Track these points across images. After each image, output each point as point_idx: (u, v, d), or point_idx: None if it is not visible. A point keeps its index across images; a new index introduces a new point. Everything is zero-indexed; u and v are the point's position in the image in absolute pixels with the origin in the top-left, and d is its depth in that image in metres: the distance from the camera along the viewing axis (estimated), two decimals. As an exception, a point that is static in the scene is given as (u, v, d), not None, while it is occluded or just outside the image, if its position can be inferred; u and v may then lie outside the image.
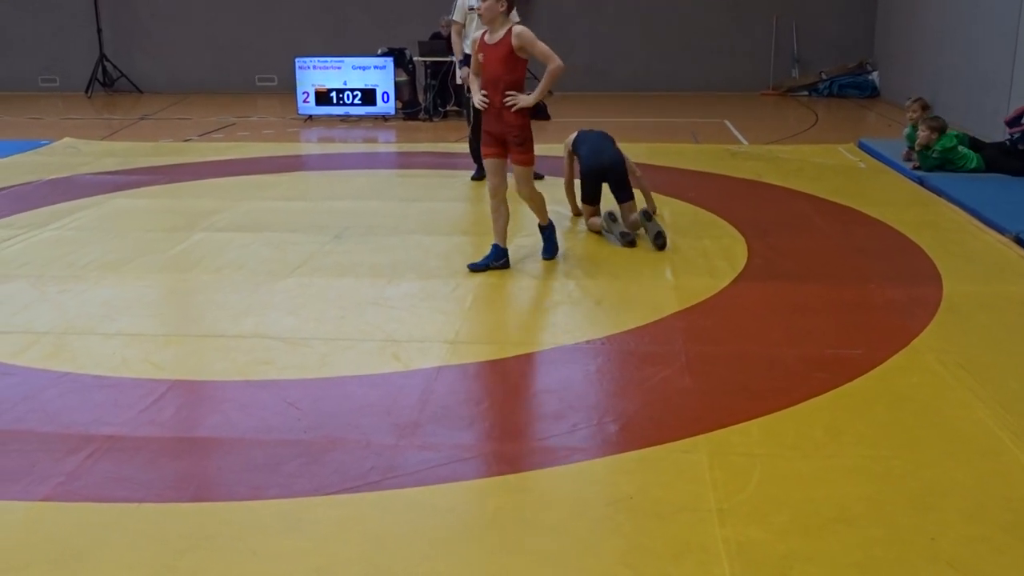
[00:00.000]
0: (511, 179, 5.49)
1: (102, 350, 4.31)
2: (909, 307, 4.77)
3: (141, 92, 15.46)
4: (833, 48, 14.60)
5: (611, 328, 4.54)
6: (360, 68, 11.94)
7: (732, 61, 14.90)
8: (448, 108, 12.51)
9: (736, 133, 10.87)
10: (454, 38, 8.11)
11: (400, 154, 10.21)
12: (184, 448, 3.42)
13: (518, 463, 3.25)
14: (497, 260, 5.46)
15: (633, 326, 4.55)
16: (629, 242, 5.94)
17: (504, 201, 5.48)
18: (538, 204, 5.60)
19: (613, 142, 6.49)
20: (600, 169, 6.23)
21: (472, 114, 8.12)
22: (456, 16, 8.02)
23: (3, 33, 15.99)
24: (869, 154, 8.97)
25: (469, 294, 5.08)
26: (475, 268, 5.42)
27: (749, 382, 3.90)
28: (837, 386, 3.83)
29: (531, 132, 5.40)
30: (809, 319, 4.63)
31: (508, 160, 5.43)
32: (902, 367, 4.03)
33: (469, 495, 3.08)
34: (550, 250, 5.69)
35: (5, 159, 9.12)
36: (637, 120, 12.19)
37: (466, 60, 8.50)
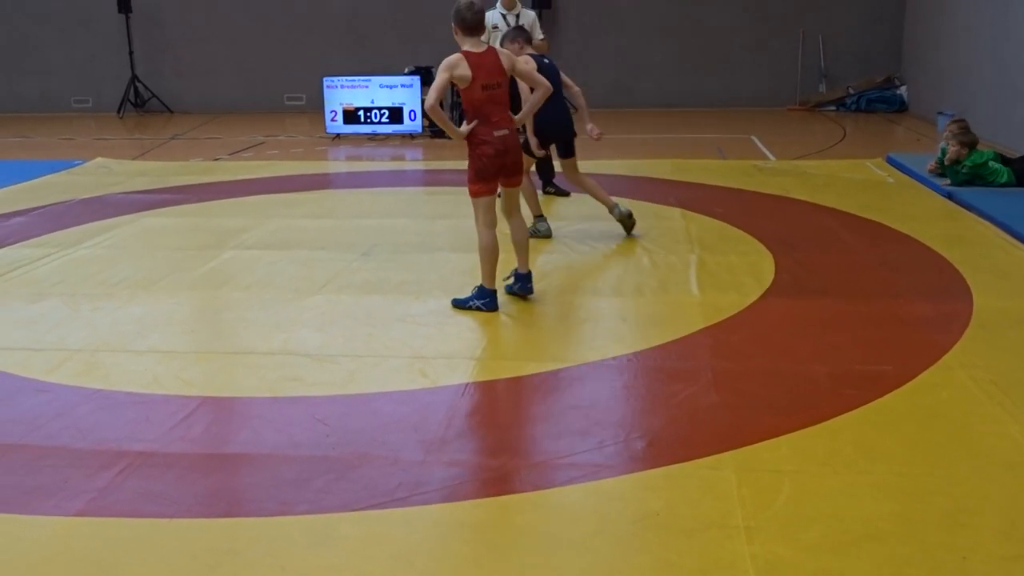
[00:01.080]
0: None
1: (134, 367, 4.36)
2: (939, 323, 4.73)
3: (172, 112, 15.66)
4: (860, 62, 14.54)
5: (637, 344, 4.54)
6: (387, 87, 12.04)
7: (758, 76, 14.87)
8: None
9: (763, 148, 10.84)
10: None
11: (427, 172, 10.27)
12: (214, 464, 3.45)
13: (544, 480, 3.26)
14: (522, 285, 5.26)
15: (659, 342, 4.54)
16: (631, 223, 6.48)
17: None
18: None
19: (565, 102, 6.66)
20: (556, 137, 6.50)
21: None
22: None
23: (38, 55, 16.27)
24: (898, 169, 8.91)
25: (495, 311, 5.09)
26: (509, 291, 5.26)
27: (777, 398, 3.88)
28: (867, 402, 3.80)
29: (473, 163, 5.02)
30: (838, 335, 4.60)
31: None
32: (932, 383, 3.99)
33: (496, 511, 3.09)
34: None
35: (39, 179, 9.27)
36: (662, 136, 12.20)
37: None
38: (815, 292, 5.29)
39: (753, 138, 11.64)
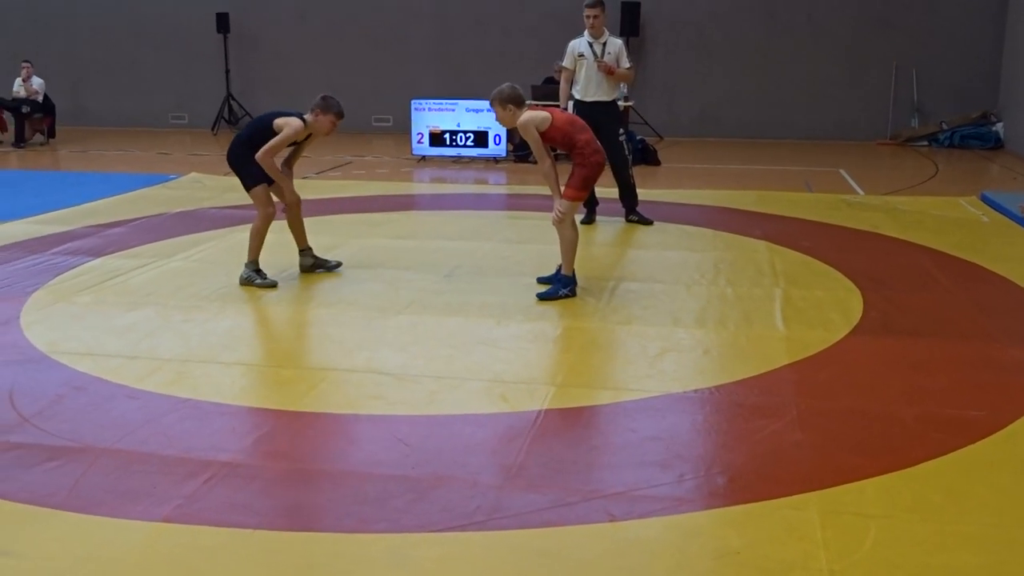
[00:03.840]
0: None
1: (221, 378, 4.47)
2: (1036, 368, 4.57)
3: (263, 130, 16.05)
4: (955, 97, 14.21)
5: (720, 378, 4.49)
6: (473, 111, 12.18)
7: (848, 109, 14.64)
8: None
9: (852, 183, 10.66)
10: (563, 84, 8.19)
11: (510, 196, 10.34)
12: (296, 478, 3.50)
13: (623, 511, 3.23)
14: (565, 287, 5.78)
15: (742, 376, 4.48)
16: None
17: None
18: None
19: None
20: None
21: None
22: (566, 62, 8.12)
23: (139, 72, 16.89)
24: (992, 207, 8.67)
25: (577, 337, 5.10)
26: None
27: (864, 439, 3.79)
28: (957, 448, 3.69)
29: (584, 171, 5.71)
30: (928, 377, 4.48)
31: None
32: (1028, 431, 3.86)
33: (572, 540, 3.07)
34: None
35: (137, 192, 9.60)
36: (748, 167, 12.08)
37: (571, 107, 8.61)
38: (905, 332, 5.16)
39: (841, 171, 11.45)
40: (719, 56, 15.01)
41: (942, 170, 11.78)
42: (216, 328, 5.22)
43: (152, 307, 5.58)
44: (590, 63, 7.91)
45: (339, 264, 6.48)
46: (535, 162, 5.87)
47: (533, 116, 5.68)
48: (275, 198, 6.17)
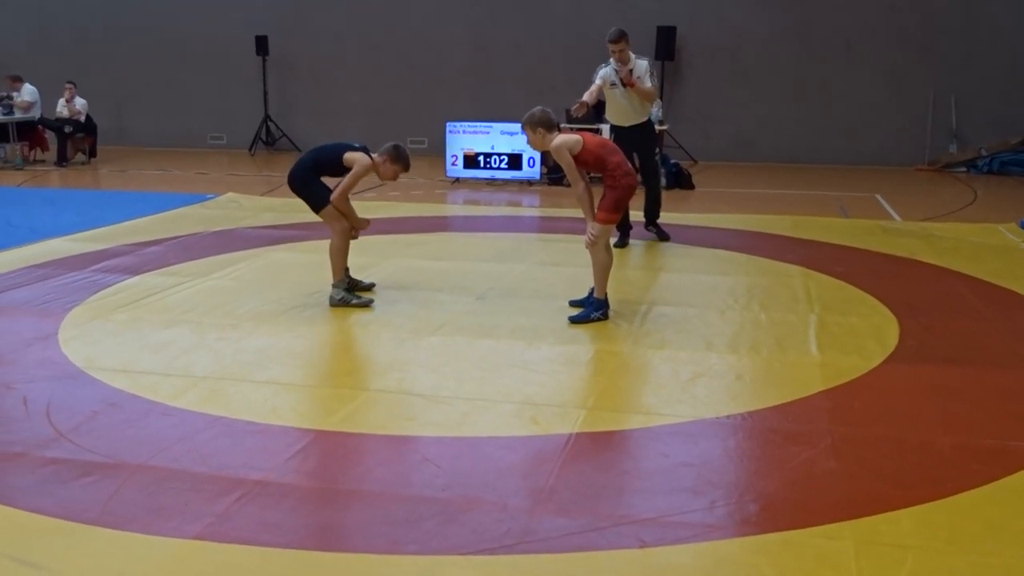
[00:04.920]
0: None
1: (254, 397, 4.50)
2: (1077, 399, 4.48)
3: (300, 151, 16.15)
4: (993, 123, 14.06)
5: (753, 403, 4.45)
6: (508, 133, 12.23)
7: (885, 134, 14.54)
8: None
9: (888, 208, 10.56)
10: (592, 88, 8.19)
11: (544, 218, 10.35)
12: (327, 497, 3.51)
13: (653, 537, 3.20)
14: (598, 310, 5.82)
15: (776, 403, 4.44)
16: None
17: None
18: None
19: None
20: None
21: None
22: (597, 80, 8.13)
23: (179, 93, 17.16)
24: (1033, 235, 8.55)
25: (609, 361, 5.08)
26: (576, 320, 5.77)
27: (900, 469, 3.73)
28: (996, 479, 3.62)
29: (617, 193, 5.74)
30: (966, 406, 4.41)
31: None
32: (1069, 463, 3.78)
33: (602, 566, 3.04)
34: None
35: (175, 211, 9.73)
36: (783, 192, 12.02)
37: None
38: (942, 359, 5.09)
39: (878, 197, 11.36)
40: (755, 81, 14.97)
41: (981, 196, 11.64)
42: (250, 346, 5.26)
43: (187, 325, 5.64)
44: (619, 92, 8.04)
45: (372, 285, 6.52)
46: (569, 185, 5.91)
47: (566, 140, 5.70)
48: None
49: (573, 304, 5.99)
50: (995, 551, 3.11)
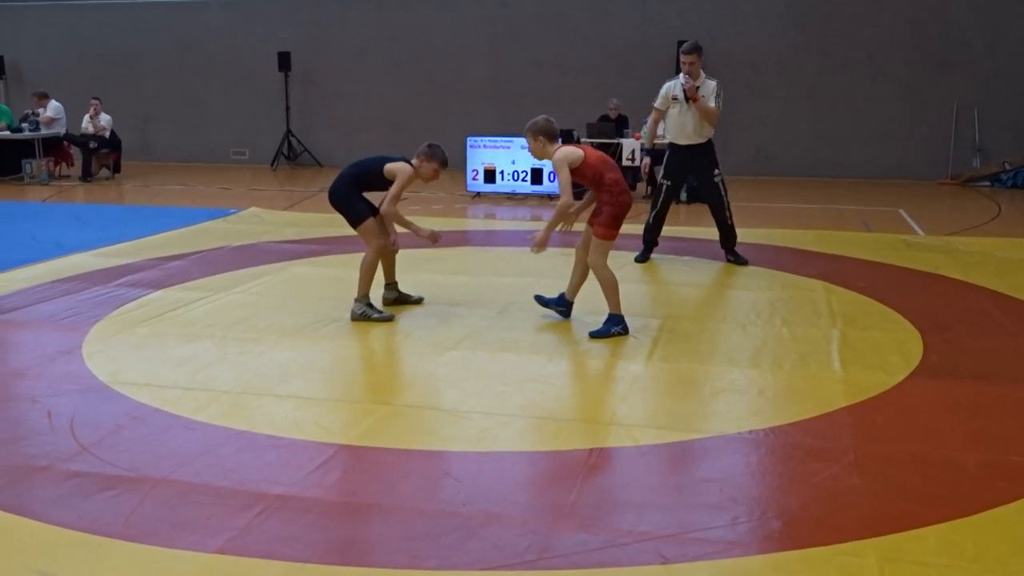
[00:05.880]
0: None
1: (276, 411, 4.51)
2: (1105, 416, 4.43)
3: (321, 166, 16.35)
4: (1017, 137, 13.98)
5: (775, 419, 4.42)
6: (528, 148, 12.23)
7: (908, 148, 14.47)
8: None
9: (911, 223, 10.49)
10: (650, 125, 8.17)
11: (564, 233, 10.31)
12: (348, 512, 3.52)
13: (675, 553, 3.18)
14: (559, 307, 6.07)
15: (798, 418, 4.41)
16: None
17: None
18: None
19: None
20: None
21: (659, 200, 8.15)
22: (657, 103, 8.08)
23: (202, 109, 17.32)
24: (1058, 249, 8.47)
25: (629, 376, 5.06)
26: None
27: (924, 486, 3.70)
28: (1022, 496, 3.58)
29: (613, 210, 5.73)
30: (991, 422, 4.36)
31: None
32: (1097, 481, 3.73)
33: (624, 582, 3.03)
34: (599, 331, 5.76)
35: (198, 225, 9.80)
36: (804, 206, 11.97)
37: (649, 151, 8.52)
38: (967, 375, 5.05)
39: (901, 211, 11.29)
40: (775, 94, 14.94)
41: (1005, 211, 11.55)
42: (271, 361, 5.29)
43: (210, 339, 5.67)
44: (683, 107, 7.83)
45: (421, 299, 6.57)
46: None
47: (567, 153, 5.74)
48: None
49: (540, 301, 6.17)
50: (1022, 570, 3.07)
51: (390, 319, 6.09)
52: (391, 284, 6.59)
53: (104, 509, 3.48)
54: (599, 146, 12.61)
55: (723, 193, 7.99)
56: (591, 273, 5.90)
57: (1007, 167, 13.74)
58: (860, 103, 14.60)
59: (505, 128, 13.94)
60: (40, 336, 5.78)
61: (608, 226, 5.72)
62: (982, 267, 7.79)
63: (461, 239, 9.65)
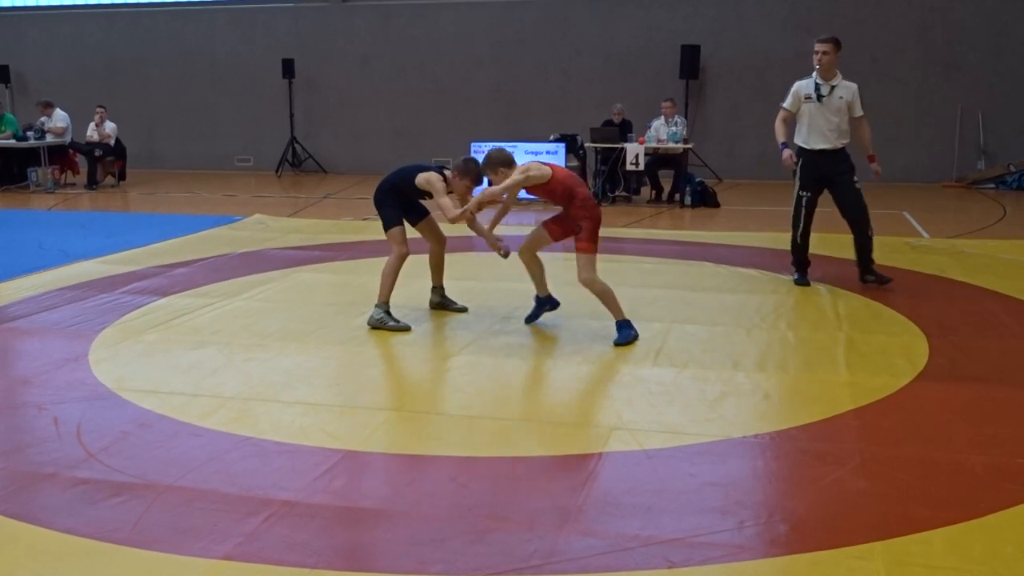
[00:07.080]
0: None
1: (282, 417, 4.52)
2: (1112, 418, 4.42)
3: (326, 172, 16.38)
4: (1022, 139, 13.95)
5: (781, 423, 4.41)
6: (532, 153, 12.23)
7: (912, 151, 14.45)
8: (617, 194, 12.68)
9: (916, 225, 10.48)
10: (778, 124, 7.45)
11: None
12: (354, 517, 3.52)
13: (681, 557, 3.18)
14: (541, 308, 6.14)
15: (804, 422, 4.40)
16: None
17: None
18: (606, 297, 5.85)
19: None
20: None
21: (801, 215, 7.43)
22: (787, 103, 7.47)
23: (207, 116, 17.36)
24: (1064, 251, 8.45)
25: (636, 380, 5.06)
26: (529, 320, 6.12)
27: (931, 489, 3.69)
28: (1030, 499, 3.58)
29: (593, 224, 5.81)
30: (998, 425, 4.35)
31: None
32: (1105, 483, 3.72)
33: (631, 587, 3.03)
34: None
35: (203, 232, 9.83)
36: (810, 209, 11.93)
37: (786, 145, 7.48)
38: (973, 378, 5.04)
39: (906, 214, 11.28)
40: (779, 98, 14.88)
41: (1010, 213, 11.53)
42: (278, 367, 5.29)
43: (216, 346, 5.68)
44: (815, 107, 7.17)
45: (465, 309, 6.56)
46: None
47: (533, 168, 5.74)
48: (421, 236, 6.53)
49: (530, 320, 6.19)
50: (1030, 573, 3.07)
51: (406, 329, 6.06)
52: (436, 287, 6.62)
53: (111, 516, 3.49)
54: (603, 151, 12.65)
55: (865, 208, 7.21)
56: (577, 279, 5.86)
57: (1012, 169, 13.73)
58: (864, 106, 14.56)
59: (510, 134, 13.96)
60: (46, 343, 5.80)
61: (591, 240, 5.78)
62: (987, 270, 7.78)
63: (466, 244, 9.64)
